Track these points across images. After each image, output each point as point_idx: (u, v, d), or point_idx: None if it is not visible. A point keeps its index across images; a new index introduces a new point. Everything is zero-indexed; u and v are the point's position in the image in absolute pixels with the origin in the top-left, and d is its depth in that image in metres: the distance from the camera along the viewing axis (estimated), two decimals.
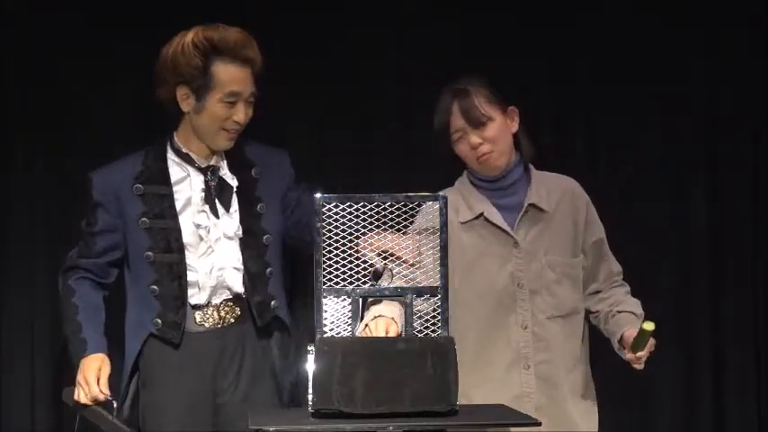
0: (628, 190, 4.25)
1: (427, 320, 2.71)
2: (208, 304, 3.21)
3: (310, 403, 2.57)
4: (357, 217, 2.69)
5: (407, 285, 2.73)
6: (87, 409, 3.11)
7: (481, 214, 3.20)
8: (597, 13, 4.23)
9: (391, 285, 2.73)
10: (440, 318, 2.69)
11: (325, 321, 2.66)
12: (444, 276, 2.69)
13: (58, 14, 4.06)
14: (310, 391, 2.57)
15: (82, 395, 3.11)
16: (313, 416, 2.56)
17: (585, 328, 3.31)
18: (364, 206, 2.69)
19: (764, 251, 4.28)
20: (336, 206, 2.68)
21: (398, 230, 2.97)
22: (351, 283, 2.69)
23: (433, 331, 2.70)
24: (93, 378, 3.09)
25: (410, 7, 4.16)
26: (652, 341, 3.05)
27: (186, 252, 3.19)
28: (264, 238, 3.24)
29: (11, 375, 4.05)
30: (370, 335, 2.78)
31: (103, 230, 3.24)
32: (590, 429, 3.21)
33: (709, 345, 4.26)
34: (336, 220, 2.67)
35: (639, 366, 3.12)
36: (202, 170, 3.24)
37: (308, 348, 2.62)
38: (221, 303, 3.21)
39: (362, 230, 2.76)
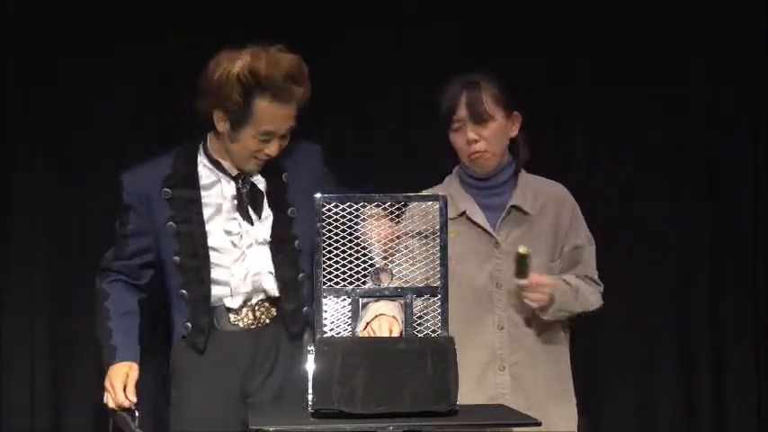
0: (628, 190, 4.25)
1: (426, 319, 2.71)
2: (243, 305, 3.20)
3: (310, 403, 2.57)
4: (357, 217, 2.70)
5: (407, 285, 2.73)
6: (115, 414, 3.12)
7: (464, 212, 3.21)
8: (597, 13, 4.23)
9: (391, 285, 2.73)
10: (440, 318, 2.69)
11: (325, 321, 2.66)
12: (444, 276, 2.69)
13: (58, 14, 4.05)
14: (310, 391, 2.57)
15: (109, 400, 3.10)
16: (313, 416, 2.56)
17: (567, 330, 3.28)
18: (364, 206, 2.70)
19: (764, 251, 4.28)
20: (336, 206, 2.68)
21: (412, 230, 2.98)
22: (351, 283, 2.69)
23: (433, 331, 2.70)
24: (119, 384, 3.07)
25: (410, 7, 4.16)
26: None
27: (216, 256, 3.17)
28: (296, 243, 3.20)
29: (11, 375, 4.05)
30: (373, 335, 2.78)
31: (135, 233, 3.21)
32: (568, 430, 3.20)
33: (709, 345, 4.26)
34: (336, 220, 2.68)
35: (528, 301, 3.10)
36: (234, 177, 3.22)
37: (308, 348, 2.62)
38: (257, 304, 3.20)
39: (362, 230, 2.77)
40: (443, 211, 2.70)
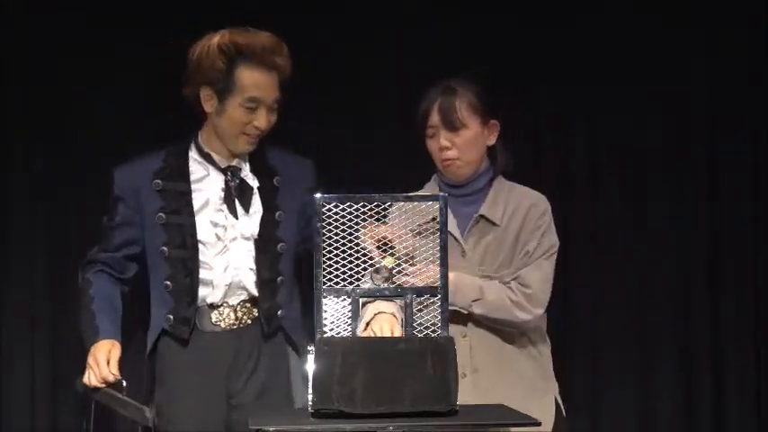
0: (628, 190, 4.25)
1: (426, 319, 2.71)
2: (224, 304, 3.21)
3: (310, 403, 2.57)
4: (357, 217, 2.70)
5: (407, 285, 2.73)
6: (99, 392, 3.11)
7: (434, 218, 3.17)
8: (597, 13, 4.23)
9: (391, 285, 2.73)
10: (440, 318, 2.69)
11: (325, 321, 2.66)
12: (444, 276, 2.69)
13: (58, 14, 4.05)
14: (310, 391, 2.57)
15: (92, 377, 3.10)
16: (313, 416, 2.56)
17: (535, 337, 3.23)
18: (364, 206, 2.70)
19: (764, 251, 4.28)
20: (336, 206, 2.68)
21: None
22: (351, 283, 2.69)
23: (433, 331, 2.70)
24: (103, 359, 3.08)
25: (410, 7, 4.16)
26: None
27: (201, 249, 3.20)
28: (279, 246, 3.23)
29: (11, 375, 4.05)
30: (374, 336, 2.78)
31: (122, 224, 3.25)
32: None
33: (709, 345, 4.26)
34: (336, 220, 2.68)
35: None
36: (223, 170, 3.24)
37: (308, 348, 2.62)
38: (238, 304, 3.22)
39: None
40: (443, 211, 2.70)
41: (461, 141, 3.17)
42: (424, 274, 2.78)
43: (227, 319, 3.21)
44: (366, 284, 2.72)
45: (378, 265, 2.72)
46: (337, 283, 2.68)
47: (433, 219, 2.82)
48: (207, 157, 3.25)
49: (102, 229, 3.29)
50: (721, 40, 4.26)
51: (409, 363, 2.57)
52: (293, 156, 3.36)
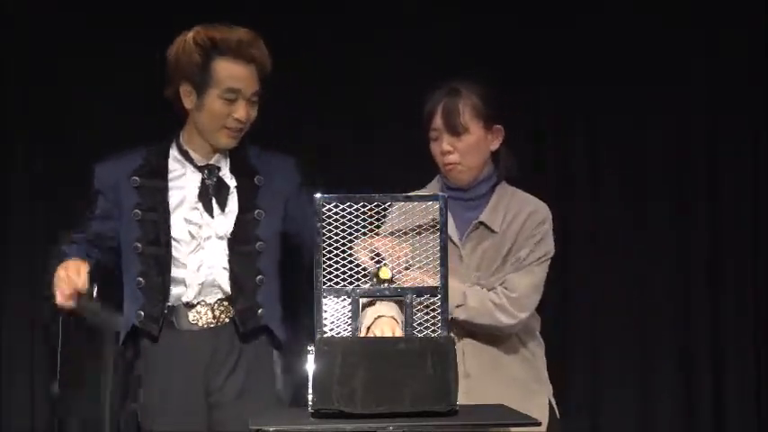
0: (628, 190, 4.26)
1: (426, 319, 2.71)
2: (200, 303, 3.21)
3: (310, 403, 2.57)
4: (357, 217, 2.70)
5: (407, 285, 2.73)
6: (65, 311, 3.03)
7: (433, 219, 3.15)
8: (597, 13, 4.23)
9: (391, 285, 2.73)
10: (440, 318, 2.69)
11: (325, 321, 2.66)
12: (444, 276, 2.69)
13: (58, 14, 4.06)
14: (310, 391, 2.57)
15: (60, 294, 3.02)
16: (313, 416, 2.55)
17: (527, 339, 3.21)
18: (364, 206, 2.69)
19: (764, 251, 4.28)
20: (336, 206, 2.68)
21: (398, 230, 2.98)
22: (351, 283, 2.69)
23: (433, 331, 2.70)
24: (73, 270, 3.03)
25: (410, 7, 4.16)
26: None
27: (175, 246, 3.19)
28: (258, 245, 3.21)
29: (11, 375, 4.05)
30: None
31: (100, 216, 3.25)
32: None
33: (709, 345, 4.26)
34: (336, 220, 2.67)
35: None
36: (200, 168, 3.24)
37: (308, 348, 2.62)
38: (216, 303, 3.21)
39: (362, 230, 2.77)
40: (443, 211, 2.70)
41: (463, 146, 3.13)
42: (420, 278, 2.78)
43: (204, 318, 3.20)
44: (366, 284, 2.71)
45: (374, 278, 2.72)
46: (337, 284, 2.68)
47: (433, 220, 2.80)
48: (185, 155, 3.25)
49: (81, 221, 3.28)
50: (721, 40, 4.26)
51: (409, 363, 2.56)
52: (275, 154, 3.33)
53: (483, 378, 3.12)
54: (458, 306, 3.08)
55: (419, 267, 2.79)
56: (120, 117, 4.05)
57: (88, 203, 3.28)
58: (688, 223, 4.28)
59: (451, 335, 2.69)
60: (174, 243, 3.19)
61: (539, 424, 2.62)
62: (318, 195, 2.68)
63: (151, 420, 3.20)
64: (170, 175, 3.24)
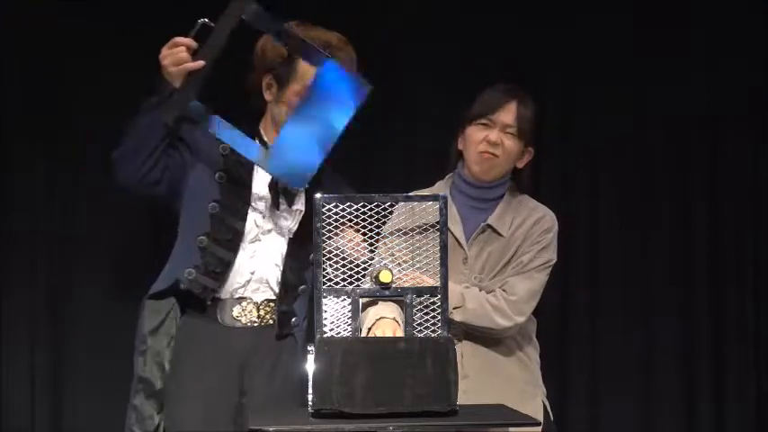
0: (628, 190, 4.25)
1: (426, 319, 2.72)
2: (248, 299, 3.18)
3: (310, 403, 2.57)
4: (357, 217, 2.70)
5: (407, 285, 2.73)
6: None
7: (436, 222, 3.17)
8: (597, 13, 4.23)
9: (391, 285, 2.73)
10: (440, 318, 2.69)
11: (325, 321, 2.66)
12: (444, 276, 2.69)
13: (59, 15, 4.05)
14: (310, 391, 2.57)
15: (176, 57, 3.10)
16: (313, 416, 2.56)
17: (524, 341, 3.24)
18: (364, 206, 2.70)
19: (764, 251, 4.28)
20: (336, 206, 2.68)
21: (399, 230, 2.98)
22: (351, 283, 2.69)
23: (433, 331, 2.70)
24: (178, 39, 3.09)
25: (410, 7, 4.16)
26: None
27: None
28: (311, 256, 3.19)
29: (11, 374, 4.05)
30: None
31: (175, 151, 3.21)
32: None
33: (709, 344, 4.26)
34: (336, 221, 2.68)
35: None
36: None
37: (308, 348, 2.62)
38: (262, 302, 3.20)
39: (362, 230, 2.77)
40: (443, 211, 2.70)
41: (508, 146, 3.21)
42: (419, 279, 2.79)
43: (248, 315, 3.19)
44: (366, 284, 2.72)
45: (374, 278, 2.72)
46: (337, 284, 2.68)
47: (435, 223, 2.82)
48: (264, 145, 3.23)
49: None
50: (721, 40, 4.26)
51: (409, 363, 2.57)
52: (336, 173, 3.36)
53: (481, 379, 3.13)
54: (456, 308, 3.09)
55: (419, 267, 2.80)
56: (120, 117, 4.04)
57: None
58: (688, 223, 4.28)
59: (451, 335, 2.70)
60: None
61: (539, 424, 2.63)
62: (318, 195, 2.68)
63: (173, 413, 3.14)
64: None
